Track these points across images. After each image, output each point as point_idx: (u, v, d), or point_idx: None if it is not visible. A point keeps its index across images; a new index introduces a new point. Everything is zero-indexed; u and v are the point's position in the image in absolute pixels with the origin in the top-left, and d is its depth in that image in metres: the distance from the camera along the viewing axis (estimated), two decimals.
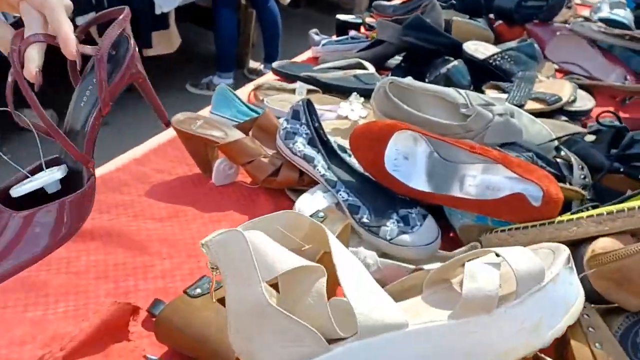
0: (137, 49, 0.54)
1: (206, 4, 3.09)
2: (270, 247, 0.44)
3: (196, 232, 0.75)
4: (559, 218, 0.58)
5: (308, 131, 0.77)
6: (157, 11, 2.50)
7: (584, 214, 0.56)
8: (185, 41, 3.07)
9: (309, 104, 0.79)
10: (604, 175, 0.68)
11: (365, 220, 0.69)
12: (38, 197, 0.49)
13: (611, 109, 1.06)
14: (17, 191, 0.49)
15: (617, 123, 0.73)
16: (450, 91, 0.82)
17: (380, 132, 0.69)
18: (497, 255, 0.45)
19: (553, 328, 0.44)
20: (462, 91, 0.83)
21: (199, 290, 0.57)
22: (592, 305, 0.54)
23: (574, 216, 0.57)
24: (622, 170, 0.67)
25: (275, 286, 0.48)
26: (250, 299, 0.42)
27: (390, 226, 0.67)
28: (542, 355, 0.49)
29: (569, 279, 0.45)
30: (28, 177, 0.50)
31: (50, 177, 0.49)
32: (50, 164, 0.52)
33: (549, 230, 0.57)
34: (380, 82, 0.82)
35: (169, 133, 0.96)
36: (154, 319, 0.58)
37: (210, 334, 0.53)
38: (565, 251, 0.46)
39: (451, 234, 0.75)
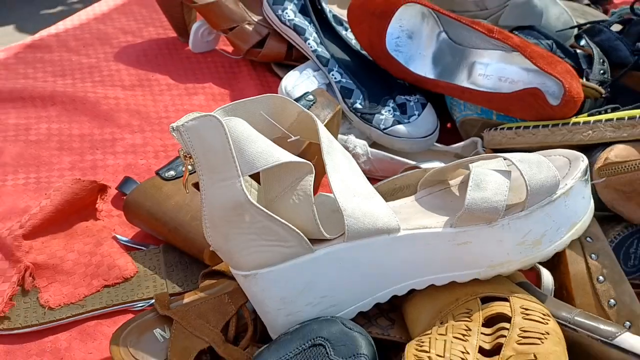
0: None
1: None
2: (252, 137, 0.38)
3: (170, 103, 0.68)
4: (574, 119, 0.52)
5: None
6: None
7: (602, 117, 0.51)
8: None
9: None
10: (626, 72, 0.61)
11: (358, 105, 0.62)
12: None
13: None
14: None
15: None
16: None
17: (384, 4, 0.60)
18: (506, 160, 0.40)
19: (555, 243, 0.40)
20: None
21: (172, 173, 0.52)
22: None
23: (591, 118, 0.51)
24: None
25: (255, 177, 0.43)
26: (227, 194, 0.37)
27: (385, 114, 0.61)
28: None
29: (583, 192, 0.41)
30: None
31: None
32: None
33: (561, 132, 0.52)
34: None
35: None
36: (124, 198, 0.54)
37: (184, 220, 0.49)
38: (583, 162, 0.41)
39: (449, 125, 0.69)
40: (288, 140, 0.43)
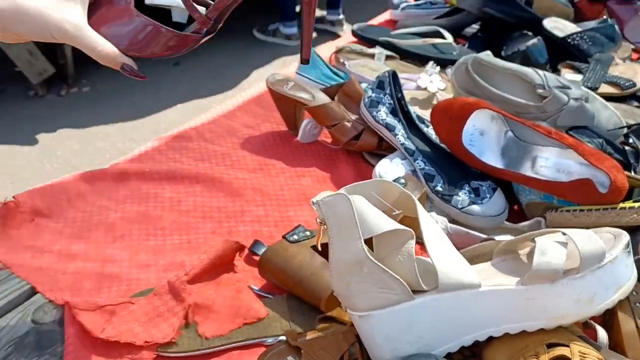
0: None
1: None
2: (370, 210, 0.53)
3: (284, 183, 0.84)
4: (622, 204, 0.63)
5: (391, 101, 0.84)
6: None
7: None
8: None
9: (394, 76, 0.85)
10: None
11: (439, 188, 0.76)
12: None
13: None
14: (151, 1, 0.52)
15: None
16: (529, 71, 0.87)
17: (460, 110, 0.75)
18: (564, 234, 0.53)
19: (605, 301, 0.51)
20: (540, 72, 0.87)
21: (295, 237, 0.67)
22: None
23: (636, 204, 0.63)
24: None
25: (368, 242, 0.57)
26: (352, 252, 0.52)
27: (462, 196, 0.75)
28: (591, 321, 0.56)
29: (626, 261, 0.52)
30: None
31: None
32: None
33: (611, 215, 0.63)
34: (463, 58, 0.88)
35: (256, 90, 1.04)
36: (255, 257, 0.69)
37: (305, 275, 0.63)
38: (625, 237, 0.53)
39: (516, 207, 0.81)
40: (392, 213, 0.57)
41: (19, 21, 0.45)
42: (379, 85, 0.85)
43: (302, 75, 1.01)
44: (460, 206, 0.74)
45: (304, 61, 0.57)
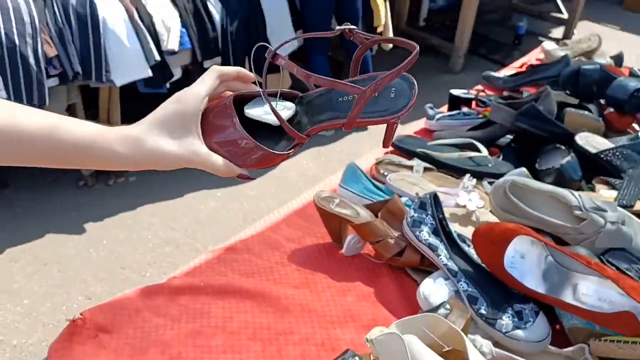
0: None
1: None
2: (422, 350, 0.56)
3: (330, 299, 0.88)
4: None
5: (433, 222, 0.89)
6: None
7: None
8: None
9: (435, 198, 0.90)
10: None
11: (483, 311, 0.78)
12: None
13: None
14: (248, 113, 0.55)
15: None
16: (565, 193, 0.91)
17: (502, 235, 0.79)
18: None
19: None
20: (576, 193, 0.91)
21: None
22: None
23: None
24: None
25: None
26: None
27: (506, 320, 0.77)
28: None
29: None
30: (262, 99, 0.55)
31: (281, 114, 0.54)
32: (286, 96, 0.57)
33: None
34: (501, 181, 0.92)
35: (298, 203, 1.10)
36: None
37: None
38: None
39: (558, 326, 0.83)
40: (443, 350, 0.60)
41: (156, 163, 0.53)
42: (421, 205, 0.90)
43: (346, 189, 1.07)
44: (504, 330, 0.76)
45: (385, 146, 0.57)
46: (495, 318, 0.77)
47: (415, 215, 0.90)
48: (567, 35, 4.22)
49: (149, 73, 2.24)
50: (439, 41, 3.84)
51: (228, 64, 2.54)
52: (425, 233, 0.88)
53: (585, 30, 4.26)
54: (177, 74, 2.40)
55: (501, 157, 1.22)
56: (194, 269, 0.92)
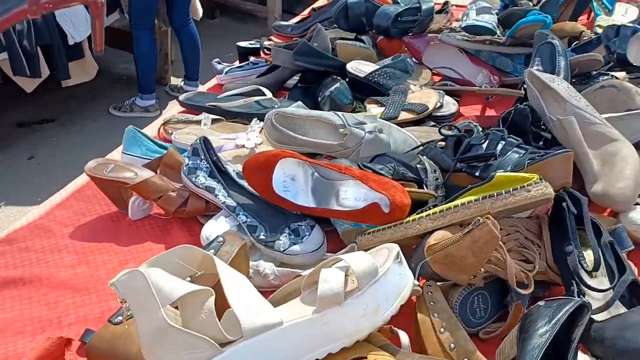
0: None
1: (119, 25, 3.11)
2: (165, 279, 0.56)
3: (112, 271, 0.84)
4: (407, 219, 0.72)
5: (207, 165, 0.89)
6: (70, 42, 2.52)
7: (424, 214, 0.71)
8: (103, 65, 3.09)
9: (205, 141, 0.90)
10: (450, 175, 0.83)
11: (262, 237, 0.81)
12: None
13: (476, 110, 1.25)
14: None
15: (457, 132, 0.89)
16: (329, 115, 0.96)
17: (266, 162, 0.82)
18: (341, 260, 0.59)
19: (388, 309, 0.58)
20: (339, 114, 0.97)
21: (120, 318, 0.68)
22: (438, 282, 0.70)
23: (417, 216, 0.72)
24: (463, 170, 0.83)
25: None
26: (154, 323, 0.54)
27: (283, 239, 0.80)
28: (395, 328, 0.63)
29: (399, 270, 0.60)
30: None
31: None
32: None
33: (400, 230, 0.72)
34: (268, 114, 0.95)
35: (73, 186, 1.03)
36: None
37: (132, 354, 0.64)
38: (394, 249, 0.60)
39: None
40: (196, 275, 0.60)
41: None
42: (194, 152, 0.90)
43: (128, 154, 1.03)
44: (282, 249, 0.80)
45: (98, 52, 0.55)
46: (274, 240, 0.81)
47: (190, 162, 0.89)
48: None
49: None
50: (253, 5, 3.85)
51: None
52: (201, 177, 0.88)
53: None
54: None
55: (287, 98, 1.26)
56: None
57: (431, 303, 0.66)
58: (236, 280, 0.60)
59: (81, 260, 0.86)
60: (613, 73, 1.18)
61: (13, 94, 2.69)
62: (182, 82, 3.15)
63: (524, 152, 0.78)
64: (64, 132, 2.77)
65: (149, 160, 1.00)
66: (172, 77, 3.31)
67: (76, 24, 2.49)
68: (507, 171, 0.75)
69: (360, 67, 1.22)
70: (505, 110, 1.01)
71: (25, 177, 2.41)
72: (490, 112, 1.26)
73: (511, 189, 0.67)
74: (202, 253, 0.61)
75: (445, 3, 1.68)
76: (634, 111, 0.99)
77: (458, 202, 0.70)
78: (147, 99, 2.93)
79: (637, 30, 1.20)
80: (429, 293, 0.67)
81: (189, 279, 0.63)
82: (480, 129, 1.07)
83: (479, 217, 0.62)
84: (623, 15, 1.59)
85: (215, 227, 0.84)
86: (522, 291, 0.65)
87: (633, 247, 0.77)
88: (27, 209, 2.19)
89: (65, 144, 2.67)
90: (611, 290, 0.64)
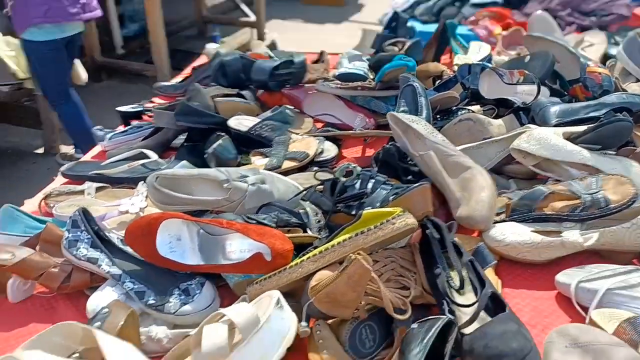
0: None
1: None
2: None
3: None
4: (291, 264, 0.76)
5: (89, 236, 0.87)
6: None
7: (305, 257, 0.75)
8: None
9: (84, 212, 0.89)
10: (330, 216, 0.88)
11: (151, 301, 0.81)
12: None
13: (357, 152, 1.33)
14: None
15: (332, 176, 0.95)
16: (212, 171, 0.99)
17: (148, 226, 0.82)
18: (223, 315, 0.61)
19: (275, 354, 0.60)
20: (222, 169, 1.00)
21: None
22: (327, 320, 0.73)
23: (299, 260, 0.75)
24: (341, 210, 0.89)
25: None
26: None
27: (173, 301, 0.80)
28: None
29: (280, 315, 0.62)
30: None
31: None
32: None
33: (285, 275, 0.75)
34: (148, 178, 0.96)
35: None
36: None
37: None
38: (275, 296, 0.63)
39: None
40: (77, 351, 0.59)
41: None
42: (73, 224, 0.88)
43: (4, 234, 0.98)
44: (172, 311, 0.79)
45: None
46: (163, 303, 0.80)
47: (70, 235, 0.87)
48: (261, 36, 4.62)
49: None
50: (141, 65, 3.83)
51: None
52: (83, 249, 0.86)
53: (276, 27, 4.72)
54: None
55: (174, 158, 1.27)
56: None
57: (320, 341, 0.69)
58: (121, 351, 0.59)
59: None
60: (470, 107, 1.32)
61: None
62: (74, 150, 3.03)
63: (390, 188, 0.85)
64: None
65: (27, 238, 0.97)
66: (62, 146, 3.18)
67: None
68: (375, 207, 0.81)
69: (242, 122, 1.26)
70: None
71: None
72: (370, 152, 1.35)
73: (379, 224, 0.73)
74: (81, 328, 0.60)
75: (322, 53, 1.79)
76: (487, 140, 1.12)
77: (335, 241, 0.74)
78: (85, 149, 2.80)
79: (486, 67, 1.36)
80: (318, 332, 0.71)
81: (76, 355, 0.62)
82: (359, 169, 1.15)
83: (351, 254, 0.67)
84: (477, 52, 1.79)
85: (101, 299, 0.82)
86: (400, 317, 0.70)
87: (496, 261, 0.86)
88: None
89: None
90: (476, 304, 0.70)
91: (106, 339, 0.59)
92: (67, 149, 3.15)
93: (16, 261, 0.86)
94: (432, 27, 2.00)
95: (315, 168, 1.17)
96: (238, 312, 0.59)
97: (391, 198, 0.80)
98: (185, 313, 0.79)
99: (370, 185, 0.87)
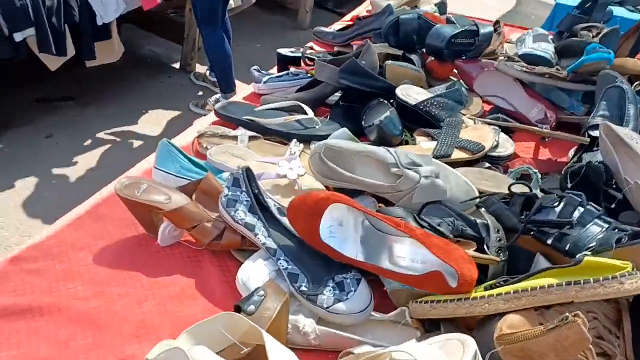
0: None
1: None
2: None
3: (128, 308, 0.77)
4: (474, 294, 0.65)
5: (248, 198, 0.81)
6: (99, 22, 2.44)
7: (495, 292, 0.63)
8: (128, 46, 3.01)
9: (248, 172, 0.83)
10: (518, 237, 0.75)
11: (304, 288, 0.74)
12: None
13: (530, 149, 1.16)
14: None
15: (527, 190, 0.80)
16: (381, 151, 0.88)
17: (315, 206, 0.74)
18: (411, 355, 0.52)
19: None
20: (392, 150, 0.89)
21: None
22: None
23: (487, 293, 0.64)
24: (532, 233, 0.75)
25: None
26: None
27: (327, 294, 0.73)
28: None
29: None
30: None
31: None
32: None
33: (465, 306, 0.64)
34: (316, 146, 0.88)
35: (92, 201, 0.95)
36: None
37: None
38: (472, 347, 0.53)
39: (385, 288, 0.81)
40: (241, 352, 0.53)
41: None
42: (234, 182, 0.82)
43: (160, 170, 0.96)
44: (325, 305, 0.72)
45: None
46: (317, 293, 0.73)
47: (229, 193, 0.82)
48: None
49: None
50: None
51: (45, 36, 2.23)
52: (241, 212, 0.80)
53: None
54: None
55: (329, 117, 1.18)
56: None
57: None
58: (282, 354, 0.53)
59: (96, 292, 0.78)
60: None
61: (33, 71, 2.62)
62: (207, 72, 3.06)
63: (606, 225, 0.70)
64: (84, 113, 2.70)
65: (182, 180, 0.93)
66: (197, 65, 3.23)
67: (106, 3, 2.41)
68: (589, 248, 0.67)
69: (410, 93, 1.14)
70: (560, 153, 0.92)
71: (42, 156, 2.34)
72: (545, 153, 1.18)
73: (601, 278, 0.59)
74: (249, 325, 0.54)
75: (497, 22, 1.58)
76: None
77: (536, 283, 0.62)
78: (230, 97, 2.81)
79: None
80: None
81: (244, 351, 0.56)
82: (539, 175, 0.99)
83: (567, 314, 0.54)
84: None
85: (252, 272, 0.77)
86: None
87: None
88: (42, 190, 2.14)
89: (83, 124, 2.60)
90: None
91: (275, 346, 0.52)
92: (202, 69, 3.19)
93: (173, 207, 0.82)
94: (635, 17, 1.70)
95: (487, 164, 1.03)
96: (425, 356, 0.50)
97: (614, 244, 0.65)
98: (337, 312, 0.72)
99: (576, 214, 0.72)
